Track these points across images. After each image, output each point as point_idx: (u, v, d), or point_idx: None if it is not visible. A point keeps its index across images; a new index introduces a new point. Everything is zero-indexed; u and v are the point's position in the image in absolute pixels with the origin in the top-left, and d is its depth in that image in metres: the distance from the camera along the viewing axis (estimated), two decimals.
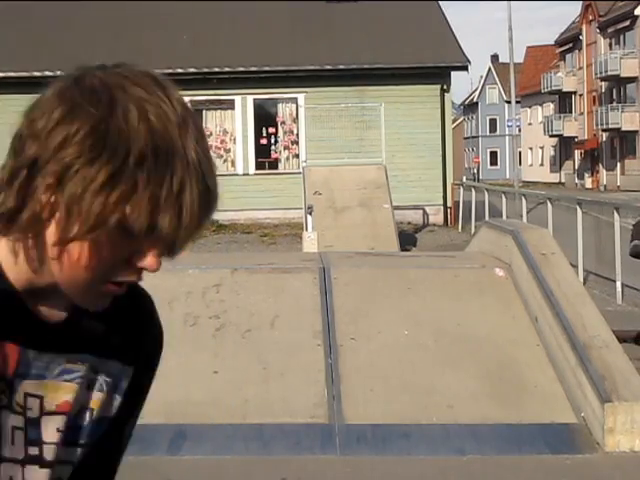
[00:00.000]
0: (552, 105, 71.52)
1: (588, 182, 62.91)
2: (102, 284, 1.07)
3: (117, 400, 1.22)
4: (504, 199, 19.55)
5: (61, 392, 1.15)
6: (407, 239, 19.37)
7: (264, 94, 23.88)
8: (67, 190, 1.01)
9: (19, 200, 1.03)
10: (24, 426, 1.14)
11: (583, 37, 63.95)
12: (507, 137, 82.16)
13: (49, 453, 1.16)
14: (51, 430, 1.15)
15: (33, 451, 1.15)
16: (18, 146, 1.04)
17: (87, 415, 1.19)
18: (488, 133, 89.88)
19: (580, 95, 65.64)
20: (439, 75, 23.67)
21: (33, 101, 1.07)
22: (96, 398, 1.19)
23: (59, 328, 1.14)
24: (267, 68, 23.60)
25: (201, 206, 1.04)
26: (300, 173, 19.22)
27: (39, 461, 1.15)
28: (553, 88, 67.93)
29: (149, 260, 1.06)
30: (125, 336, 1.23)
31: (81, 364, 1.17)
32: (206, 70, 23.68)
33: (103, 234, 1.02)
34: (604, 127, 59.05)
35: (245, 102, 23.88)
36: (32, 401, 1.14)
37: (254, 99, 23.92)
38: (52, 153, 1.01)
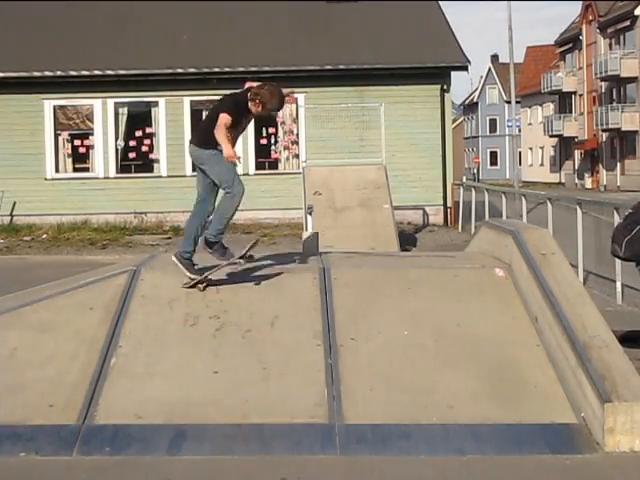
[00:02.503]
0: (552, 105, 71.52)
1: (588, 182, 62.91)
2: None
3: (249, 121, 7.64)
4: (504, 199, 19.53)
5: (246, 121, 7.40)
6: (407, 239, 19.37)
7: None
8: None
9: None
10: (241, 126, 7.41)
11: (583, 37, 63.94)
12: (507, 137, 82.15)
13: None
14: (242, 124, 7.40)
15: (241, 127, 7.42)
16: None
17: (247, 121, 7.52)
18: (488, 133, 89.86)
19: (580, 95, 65.64)
20: (439, 75, 23.67)
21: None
22: (248, 121, 7.54)
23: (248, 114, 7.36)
24: (267, 68, 23.58)
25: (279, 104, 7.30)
26: (300, 173, 19.22)
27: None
28: (553, 88, 67.92)
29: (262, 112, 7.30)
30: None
31: (249, 118, 7.43)
32: (206, 70, 23.68)
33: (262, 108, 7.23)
34: (604, 127, 59.04)
35: None
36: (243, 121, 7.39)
37: None
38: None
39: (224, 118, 7.10)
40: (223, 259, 7.25)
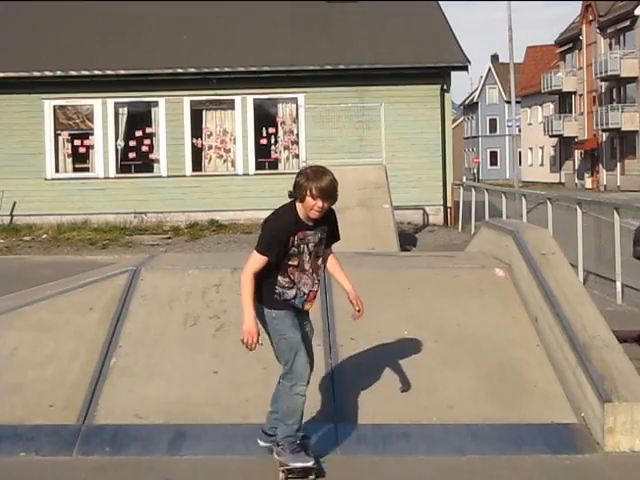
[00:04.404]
0: (552, 105, 71.53)
1: (588, 182, 62.92)
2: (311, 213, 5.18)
3: (325, 233, 5.26)
4: (504, 199, 19.53)
5: (313, 237, 5.23)
6: (407, 239, 19.38)
7: (264, 94, 23.89)
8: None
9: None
10: (309, 249, 5.22)
11: (583, 37, 63.96)
12: (507, 137, 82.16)
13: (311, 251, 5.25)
14: (311, 245, 5.22)
15: (308, 250, 5.22)
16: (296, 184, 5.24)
17: (319, 237, 5.24)
18: (488, 133, 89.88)
19: (580, 95, 65.65)
20: (439, 75, 23.67)
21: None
22: (321, 235, 5.23)
23: (313, 224, 5.19)
24: (267, 68, 23.60)
25: (331, 198, 5.14)
26: None
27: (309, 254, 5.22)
28: (553, 88, 67.94)
29: (319, 206, 5.11)
30: (326, 220, 5.24)
31: (317, 230, 5.21)
32: (206, 70, 23.68)
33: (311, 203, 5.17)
34: (604, 127, 59.05)
35: (245, 102, 23.88)
36: (309, 240, 5.22)
37: (254, 99, 23.93)
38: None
39: (252, 260, 5.16)
40: (294, 463, 5.16)
